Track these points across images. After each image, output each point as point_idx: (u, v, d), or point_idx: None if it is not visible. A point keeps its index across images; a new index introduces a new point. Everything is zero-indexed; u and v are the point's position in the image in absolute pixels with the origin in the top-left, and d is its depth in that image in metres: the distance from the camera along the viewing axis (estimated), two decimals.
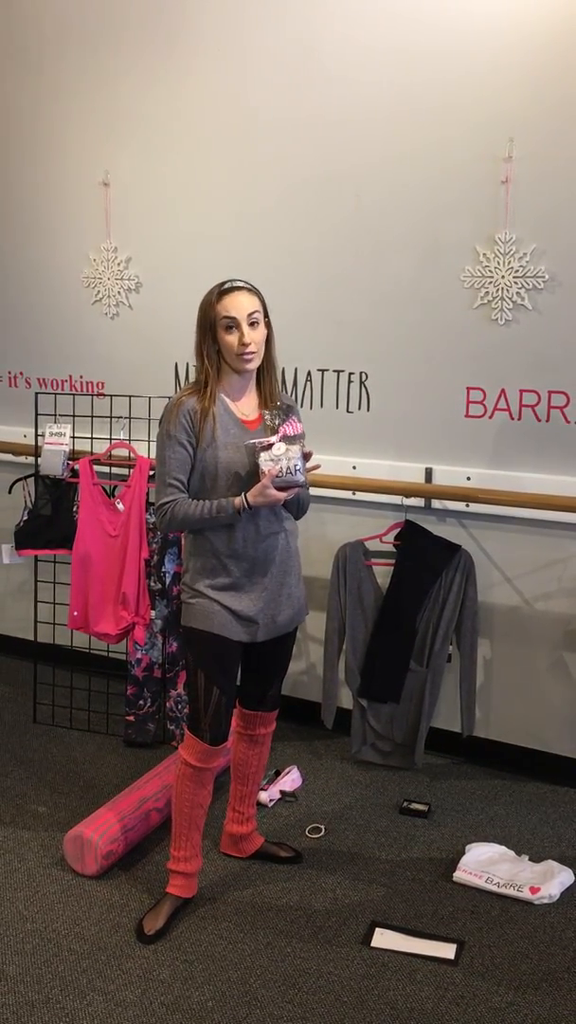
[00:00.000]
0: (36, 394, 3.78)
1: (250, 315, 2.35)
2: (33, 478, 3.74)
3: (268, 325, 2.42)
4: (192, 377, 3.65)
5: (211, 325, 2.37)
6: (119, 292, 3.82)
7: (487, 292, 3.12)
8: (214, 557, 2.44)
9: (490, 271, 3.10)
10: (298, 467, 2.31)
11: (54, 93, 3.81)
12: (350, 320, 3.38)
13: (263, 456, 2.32)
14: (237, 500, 2.35)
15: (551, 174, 2.97)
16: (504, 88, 2.99)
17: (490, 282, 3.10)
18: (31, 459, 3.85)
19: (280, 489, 2.32)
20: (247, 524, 2.42)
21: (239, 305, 2.34)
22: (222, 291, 2.36)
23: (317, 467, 2.42)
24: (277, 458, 2.30)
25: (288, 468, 2.30)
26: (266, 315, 2.41)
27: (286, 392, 3.47)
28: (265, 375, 2.48)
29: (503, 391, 3.17)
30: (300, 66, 3.30)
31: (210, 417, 2.39)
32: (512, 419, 3.18)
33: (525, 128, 2.98)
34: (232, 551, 2.43)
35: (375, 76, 3.18)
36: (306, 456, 2.35)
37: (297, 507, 2.53)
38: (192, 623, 2.48)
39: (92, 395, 3.79)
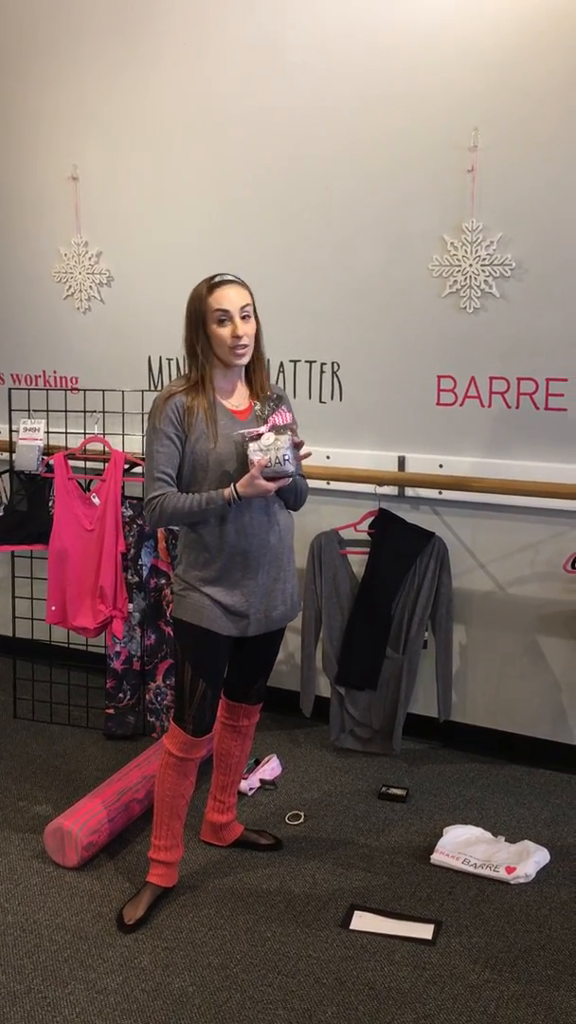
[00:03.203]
0: (9, 390, 3.79)
1: (242, 308, 2.35)
2: (8, 474, 3.74)
3: (256, 319, 2.43)
4: (166, 370, 3.71)
5: (202, 318, 2.36)
6: (90, 287, 3.82)
7: (455, 281, 3.14)
8: (206, 551, 2.44)
9: (458, 260, 3.12)
10: (287, 457, 2.28)
11: (19, 88, 3.80)
12: (321, 310, 3.40)
13: (252, 446, 2.31)
14: (227, 491, 2.33)
15: (516, 163, 2.99)
16: (468, 77, 3.01)
17: (458, 271, 3.13)
18: (5, 455, 3.85)
19: (270, 479, 2.30)
20: (239, 518, 2.41)
21: (231, 298, 2.34)
22: (213, 284, 2.36)
23: (308, 455, 2.41)
24: (266, 448, 2.28)
25: (277, 458, 2.28)
26: (254, 308, 2.42)
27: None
28: (255, 367, 2.48)
29: (473, 379, 3.20)
30: (267, 57, 3.31)
31: (199, 410, 2.38)
32: (483, 406, 3.21)
33: (490, 117, 3.00)
34: (224, 545, 2.42)
35: (341, 66, 3.19)
36: (297, 446, 2.34)
37: (295, 497, 2.52)
38: (182, 616, 2.48)
39: (66, 390, 3.80)
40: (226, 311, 2.33)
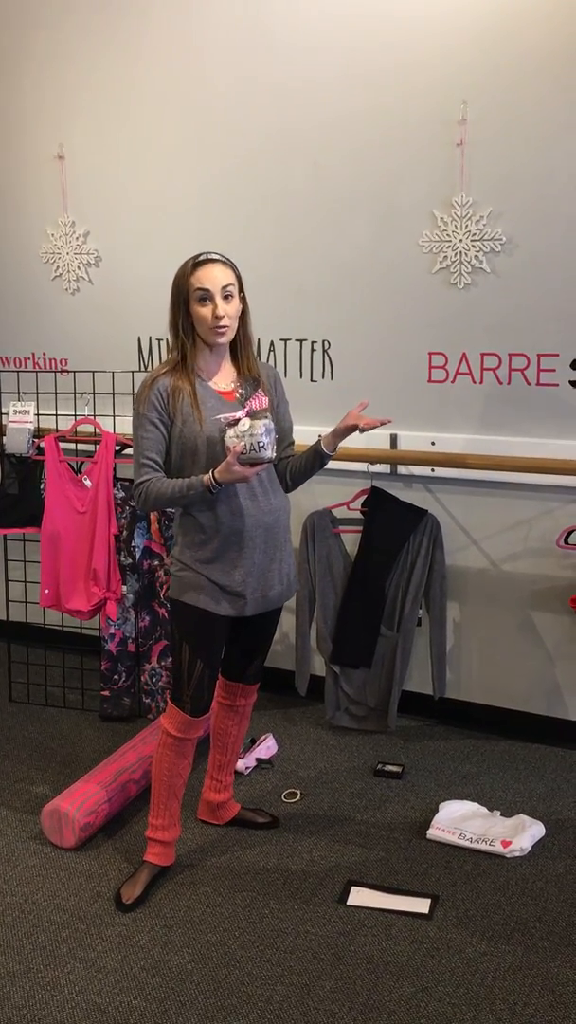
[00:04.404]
0: None
1: (224, 288, 2.33)
2: None
3: (243, 299, 2.41)
4: (156, 350, 3.69)
5: (185, 297, 2.35)
6: (79, 267, 3.79)
7: (445, 256, 3.12)
8: (200, 531, 2.43)
9: (448, 235, 3.10)
10: (263, 444, 2.26)
11: (3, 65, 3.75)
12: (310, 288, 3.38)
13: (229, 432, 2.29)
14: (205, 477, 2.32)
15: (505, 136, 2.97)
16: (456, 50, 2.98)
17: (448, 246, 3.11)
18: None
19: (247, 465, 2.29)
20: (232, 499, 2.40)
21: (213, 277, 2.33)
22: (196, 263, 2.35)
23: (388, 421, 2.52)
24: (242, 435, 2.26)
25: (252, 445, 2.25)
26: (241, 289, 2.39)
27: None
28: (242, 349, 2.47)
29: (464, 355, 3.19)
30: (253, 32, 3.27)
31: (185, 393, 2.37)
32: (474, 383, 3.20)
33: (478, 91, 2.97)
34: (219, 525, 2.41)
35: (328, 41, 3.16)
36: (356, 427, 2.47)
37: (295, 477, 2.55)
38: (179, 596, 2.48)
39: (55, 372, 3.78)
40: (207, 290, 2.32)
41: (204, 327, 2.36)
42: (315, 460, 2.52)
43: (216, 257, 2.36)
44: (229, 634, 2.58)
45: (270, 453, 2.29)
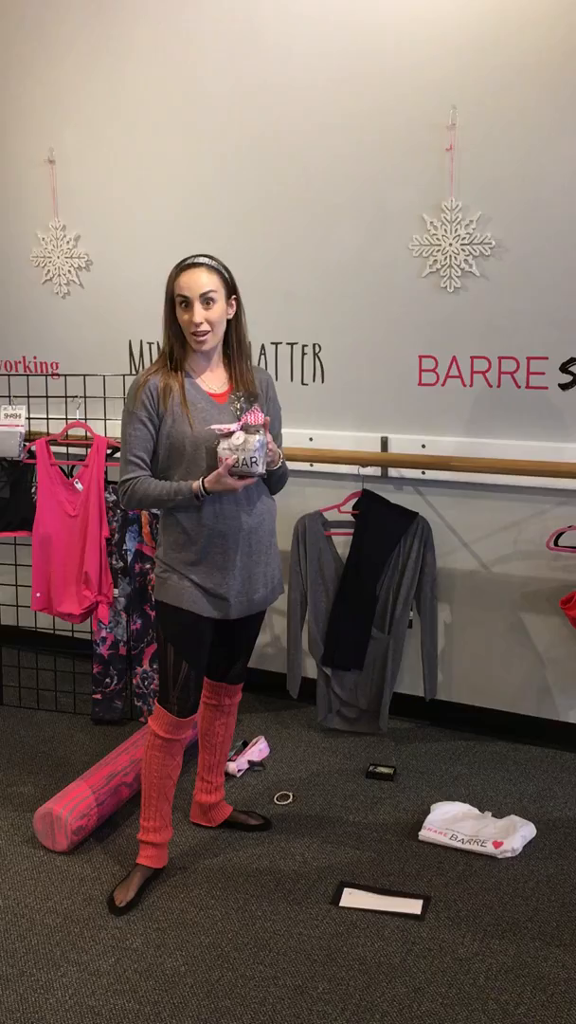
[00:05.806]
0: None
1: (204, 294, 2.32)
2: None
3: (237, 302, 2.41)
4: (147, 354, 3.69)
5: (170, 301, 2.37)
6: (69, 271, 3.80)
7: (435, 260, 3.14)
8: (183, 533, 2.44)
9: (437, 239, 3.12)
10: (255, 459, 2.28)
11: None
12: (301, 292, 3.39)
13: (222, 444, 2.31)
14: (195, 484, 2.33)
15: (494, 141, 2.99)
16: (446, 55, 3.00)
17: (438, 250, 3.13)
18: None
19: (237, 478, 2.31)
20: (216, 501, 2.40)
21: (193, 283, 2.32)
22: (182, 267, 2.35)
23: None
24: (235, 448, 2.28)
25: (245, 460, 2.28)
26: (234, 292, 2.39)
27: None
28: (235, 352, 2.46)
29: (454, 358, 3.21)
30: (244, 36, 3.29)
31: (175, 393, 2.38)
32: (464, 386, 3.22)
33: (467, 95, 2.99)
34: (202, 528, 2.42)
35: (318, 46, 3.18)
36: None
37: (277, 484, 2.54)
38: (163, 598, 2.48)
39: (46, 375, 3.78)
40: (186, 297, 2.32)
41: (186, 332, 2.37)
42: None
43: (201, 261, 2.35)
44: (213, 635, 2.59)
45: (261, 468, 2.31)
